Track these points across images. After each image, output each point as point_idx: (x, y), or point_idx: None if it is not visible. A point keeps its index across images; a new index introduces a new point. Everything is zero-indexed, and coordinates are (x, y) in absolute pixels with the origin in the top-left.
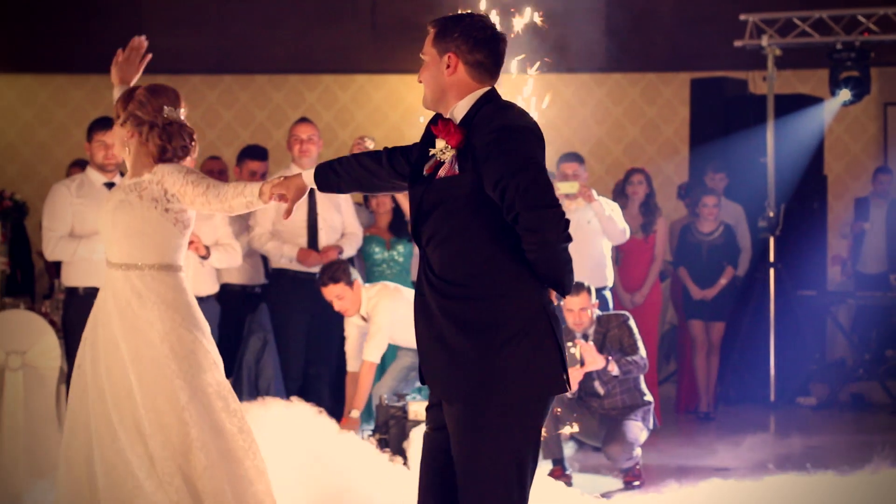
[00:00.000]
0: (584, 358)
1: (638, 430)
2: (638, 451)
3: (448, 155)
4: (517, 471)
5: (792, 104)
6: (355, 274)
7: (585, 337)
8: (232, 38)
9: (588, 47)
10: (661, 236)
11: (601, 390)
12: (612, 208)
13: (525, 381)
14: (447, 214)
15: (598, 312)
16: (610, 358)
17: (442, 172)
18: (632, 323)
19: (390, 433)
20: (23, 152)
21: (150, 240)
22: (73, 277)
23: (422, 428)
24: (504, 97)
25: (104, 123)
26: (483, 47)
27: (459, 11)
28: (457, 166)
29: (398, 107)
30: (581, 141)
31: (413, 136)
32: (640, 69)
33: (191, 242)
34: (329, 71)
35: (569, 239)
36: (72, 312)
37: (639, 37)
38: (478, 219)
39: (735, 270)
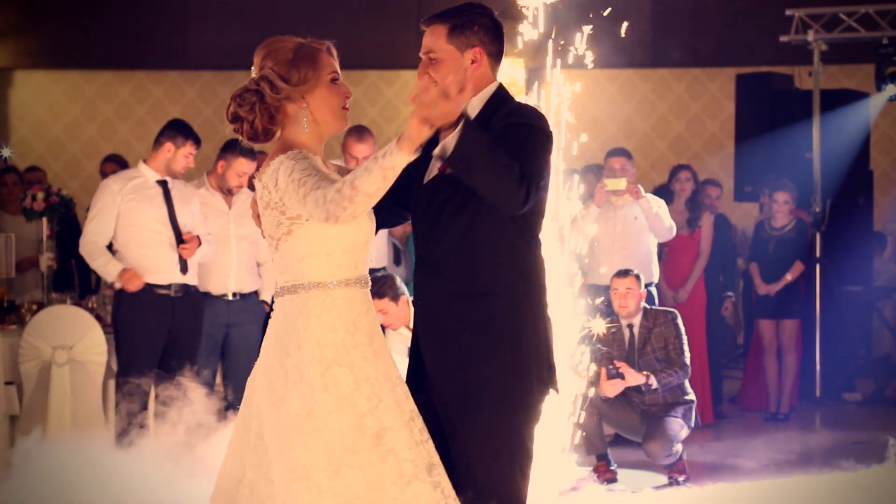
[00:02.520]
0: (625, 375)
1: (678, 426)
2: (678, 447)
3: None
4: (518, 461)
5: (838, 99)
6: (402, 288)
7: (630, 327)
8: (278, 34)
9: (633, 43)
10: (706, 232)
11: (643, 386)
12: (658, 205)
13: (517, 379)
14: (455, 213)
15: (645, 305)
16: (649, 374)
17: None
18: (679, 322)
19: None
20: (70, 148)
21: None
22: None
23: None
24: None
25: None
26: (500, 36)
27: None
28: None
29: None
30: (626, 136)
31: None
32: (685, 64)
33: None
34: (375, 67)
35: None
36: (123, 310)
37: (684, 32)
38: (486, 217)
39: (804, 266)
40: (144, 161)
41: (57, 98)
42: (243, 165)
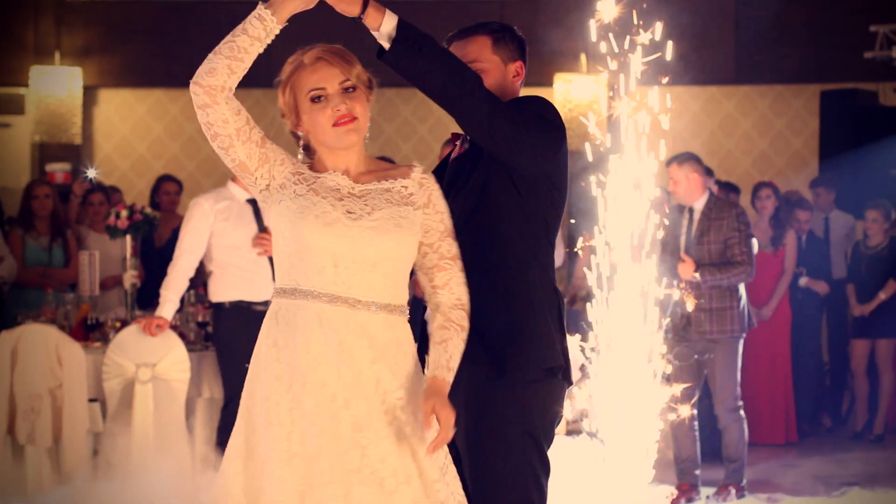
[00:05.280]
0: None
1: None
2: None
3: None
4: (533, 452)
5: None
6: None
7: (691, 211)
8: (361, 52)
9: (717, 60)
10: (790, 249)
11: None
12: None
13: (539, 359)
14: (464, 194)
15: (712, 191)
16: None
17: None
18: (745, 220)
19: None
20: (154, 166)
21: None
22: (219, 292)
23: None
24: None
25: None
26: (526, 55)
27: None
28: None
29: None
30: (709, 153)
31: None
32: (769, 81)
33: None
34: None
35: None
36: (223, 330)
37: (768, 49)
38: (495, 199)
39: None
40: (232, 180)
41: (141, 116)
42: None
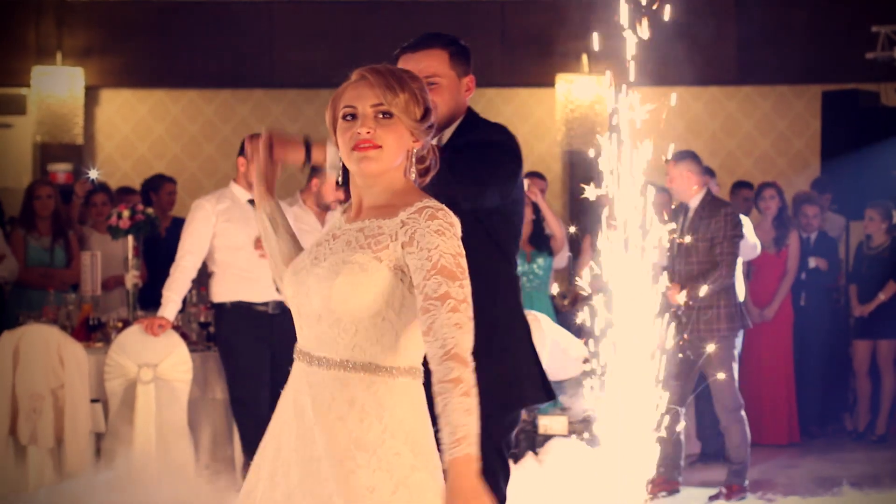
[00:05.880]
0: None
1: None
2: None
3: None
4: (493, 456)
5: None
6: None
7: (686, 210)
8: (363, 52)
9: (718, 60)
10: (793, 250)
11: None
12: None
13: (509, 403)
14: None
15: (711, 191)
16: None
17: None
18: (735, 219)
19: (520, 447)
20: (155, 167)
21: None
22: (220, 293)
23: (554, 441)
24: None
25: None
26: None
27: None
28: None
29: (528, 121)
30: (711, 154)
31: (542, 150)
32: (771, 82)
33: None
34: None
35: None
36: (224, 331)
37: (770, 49)
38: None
39: None
40: (234, 180)
41: (142, 117)
42: None
